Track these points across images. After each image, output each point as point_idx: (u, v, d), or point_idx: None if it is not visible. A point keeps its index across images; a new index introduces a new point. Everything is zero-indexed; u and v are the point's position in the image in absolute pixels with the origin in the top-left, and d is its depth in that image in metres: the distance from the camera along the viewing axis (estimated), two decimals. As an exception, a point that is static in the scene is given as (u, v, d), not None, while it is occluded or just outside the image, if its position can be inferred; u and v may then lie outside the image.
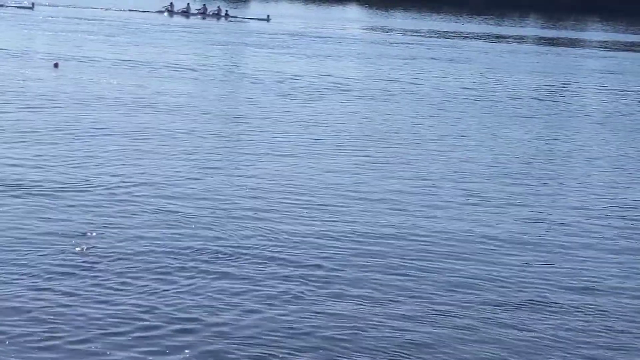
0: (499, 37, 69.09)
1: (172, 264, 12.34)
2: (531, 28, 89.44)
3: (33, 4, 69.69)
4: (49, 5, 72.36)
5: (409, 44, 57.65)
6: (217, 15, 73.13)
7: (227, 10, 74.02)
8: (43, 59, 36.83)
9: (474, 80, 38.20)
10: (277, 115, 26.00)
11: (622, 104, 33.62)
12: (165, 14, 72.44)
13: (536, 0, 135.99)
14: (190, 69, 36.31)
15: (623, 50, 63.67)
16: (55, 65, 34.07)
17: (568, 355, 10.14)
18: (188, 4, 74.93)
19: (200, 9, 74.33)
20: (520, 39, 68.88)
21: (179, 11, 73.41)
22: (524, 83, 38.54)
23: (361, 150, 21.35)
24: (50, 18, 60.82)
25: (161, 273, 11.95)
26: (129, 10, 72.93)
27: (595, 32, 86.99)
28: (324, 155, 20.58)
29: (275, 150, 20.84)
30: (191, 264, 12.42)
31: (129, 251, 12.77)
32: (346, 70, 39.80)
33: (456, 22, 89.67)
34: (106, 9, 72.00)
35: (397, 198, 16.88)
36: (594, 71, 46.57)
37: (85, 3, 75.89)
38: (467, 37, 68.13)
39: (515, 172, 19.91)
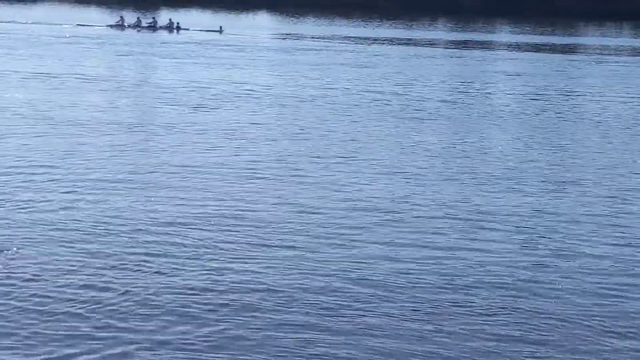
0: (409, 41, 69.70)
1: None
2: (441, 32, 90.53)
3: None
4: None
5: (320, 49, 57.84)
6: (168, 28, 72.23)
7: (178, 23, 72.89)
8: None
9: (383, 85, 38.43)
10: (185, 123, 25.88)
11: (531, 104, 34.20)
12: (114, 28, 71.66)
13: (445, 3, 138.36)
14: (112, 81, 36.01)
15: (531, 52, 64.78)
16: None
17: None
18: (138, 17, 74.62)
19: (151, 23, 73.25)
20: (431, 43, 69.61)
21: (130, 25, 72.64)
22: (433, 86, 38.94)
23: (272, 158, 21.33)
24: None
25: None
26: (77, 24, 71.89)
27: (504, 34, 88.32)
28: (236, 165, 20.53)
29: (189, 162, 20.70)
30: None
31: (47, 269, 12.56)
32: (256, 77, 39.75)
33: (366, 27, 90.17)
34: (51, 24, 70.88)
35: (310, 203, 16.90)
36: (502, 73, 47.27)
37: (33, 18, 75.28)
38: (377, 41, 68.61)
39: (420, 176, 20.09)
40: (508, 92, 37.98)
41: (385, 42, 68.58)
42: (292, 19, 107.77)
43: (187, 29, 72.06)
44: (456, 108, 32.06)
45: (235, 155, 21.54)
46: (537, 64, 53.41)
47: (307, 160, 21.23)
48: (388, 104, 32.13)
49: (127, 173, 19.08)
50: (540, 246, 14.88)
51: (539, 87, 39.86)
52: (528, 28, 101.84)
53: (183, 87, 34.65)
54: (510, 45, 71.20)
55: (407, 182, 19.43)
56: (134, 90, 34.22)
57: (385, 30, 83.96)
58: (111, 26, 72.33)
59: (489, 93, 37.75)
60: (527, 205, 17.60)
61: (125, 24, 72.48)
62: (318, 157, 21.73)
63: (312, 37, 71.08)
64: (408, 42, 68.36)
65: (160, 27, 72.58)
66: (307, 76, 40.99)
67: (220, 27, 73.27)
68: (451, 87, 38.83)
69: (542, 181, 20.04)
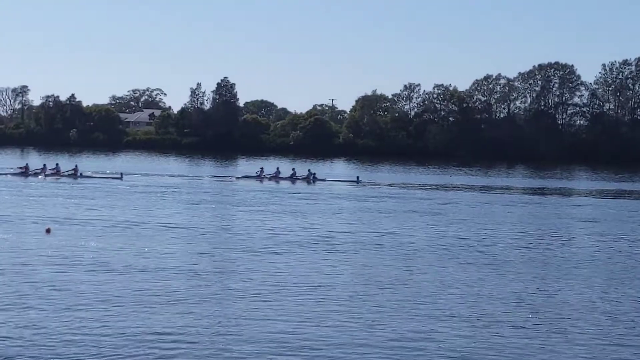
0: (486, 188, 69.81)
1: None
2: (516, 178, 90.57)
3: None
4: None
5: (396, 197, 58.23)
6: (306, 179, 73.19)
7: (314, 174, 74.20)
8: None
9: (462, 231, 38.41)
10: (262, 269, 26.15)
11: (612, 250, 33.76)
12: (254, 180, 73.36)
13: (520, 151, 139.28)
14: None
15: (609, 198, 64.32)
16: (47, 231, 34.18)
17: None
18: (277, 168, 76.57)
19: (292, 174, 74.47)
20: (507, 189, 69.62)
21: (269, 176, 74.10)
22: (511, 232, 38.76)
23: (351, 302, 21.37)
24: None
25: None
26: (214, 176, 76.70)
27: (581, 181, 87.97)
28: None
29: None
30: None
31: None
32: (335, 224, 40.11)
33: (444, 175, 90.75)
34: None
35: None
36: (578, 219, 46.90)
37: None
38: (453, 188, 68.93)
39: (504, 324, 19.89)
40: (585, 239, 37.55)
41: (463, 188, 68.83)
42: (368, 166, 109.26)
43: (324, 179, 73.54)
44: (532, 254, 31.80)
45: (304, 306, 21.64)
46: (614, 210, 52.92)
47: (374, 307, 21.23)
48: (464, 250, 32.07)
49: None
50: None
51: (617, 234, 39.39)
52: (605, 174, 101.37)
53: (261, 234, 35.14)
54: (587, 191, 70.85)
55: (477, 329, 19.27)
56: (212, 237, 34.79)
57: (463, 178, 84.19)
58: (247, 177, 74.90)
59: (566, 240, 37.37)
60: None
61: (264, 175, 74.07)
62: (388, 305, 21.71)
63: (389, 185, 71.65)
64: (483, 189, 68.50)
65: (299, 178, 73.44)
66: (385, 223, 41.21)
67: (358, 178, 75.05)
68: (526, 234, 38.58)
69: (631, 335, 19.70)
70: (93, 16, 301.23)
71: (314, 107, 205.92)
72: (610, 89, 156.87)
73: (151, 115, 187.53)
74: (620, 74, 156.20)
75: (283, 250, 30.87)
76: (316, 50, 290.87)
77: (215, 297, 22.14)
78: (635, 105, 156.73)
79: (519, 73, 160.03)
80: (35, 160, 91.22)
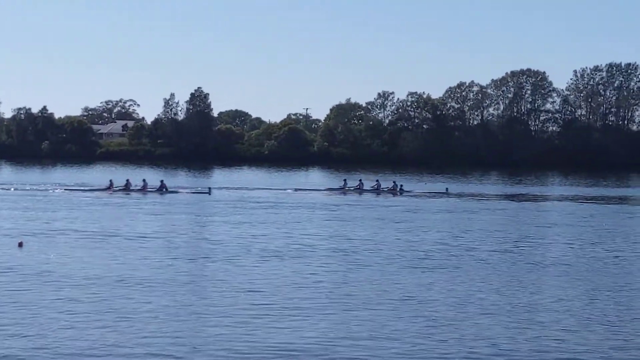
0: (459, 195, 69.98)
1: None
2: (490, 184, 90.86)
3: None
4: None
5: (373, 206, 58.24)
6: (392, 191, 71.74)
7: (401, 185, 72.86)
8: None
9: (428, 238, 38.45)
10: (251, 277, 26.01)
11: (584, 254, 33.89)
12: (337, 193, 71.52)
13: (496, 157, 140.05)
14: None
15: (582, 203, 64.69)
16: (20, 245, 33.72)
17: None
18: (360, 180, 75.02)
19: (374, 186, 73.07)
20: (481, 196, 69.82)
21: (352, 189, 72.48)
22: (484, 238, 38.83)
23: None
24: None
25: None
26: (296, 189, 73.11)
27: (555, 187, 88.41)
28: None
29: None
30: None
31: None
32: (299, 232, 39.99)
33: (416, 182, 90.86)
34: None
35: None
36: (552, 224, 47.10)
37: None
38: (424, 196, 69.02)
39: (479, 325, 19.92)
40: (558, 244, 37.66)
41: (436, 196, 68.94)
42: (342, 173, 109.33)
43: (410, 191, 71.25)
44: (504, 259, 31.83)
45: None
46: (588, 215, 53.22)
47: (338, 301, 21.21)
48: (431, 255, 32.09)
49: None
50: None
51: (590, 238, 39.58)
52: (577, 179, 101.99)
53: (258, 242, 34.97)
54: (560, 196, 71.18)
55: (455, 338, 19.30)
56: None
57: (437, 185, 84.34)
58: (335, 189, 72.93)
59: (539, 245, 37.46)
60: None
61: (348, 187, 72.56)
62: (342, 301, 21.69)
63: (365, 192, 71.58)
64: (460, 195, 68.65)
65: (384, 190, 71.72)
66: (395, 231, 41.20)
67: (447, 189, 73.40)
68: (500, 239, 38.65)
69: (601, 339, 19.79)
70: (65, 27, 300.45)
71: (289, 116, 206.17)
72: (581, 95, 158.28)
73: (124, 127, 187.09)
74: (592, 80, 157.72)
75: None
76: (290, 60, 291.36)
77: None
78: (607, 111, 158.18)
79: (492, 80, 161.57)
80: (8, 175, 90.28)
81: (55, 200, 57.96)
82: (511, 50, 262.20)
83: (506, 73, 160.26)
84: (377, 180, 75.26)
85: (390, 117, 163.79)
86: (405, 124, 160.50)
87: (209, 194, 65.95)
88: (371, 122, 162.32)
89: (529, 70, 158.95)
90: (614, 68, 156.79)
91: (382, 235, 39.12)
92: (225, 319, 20.50)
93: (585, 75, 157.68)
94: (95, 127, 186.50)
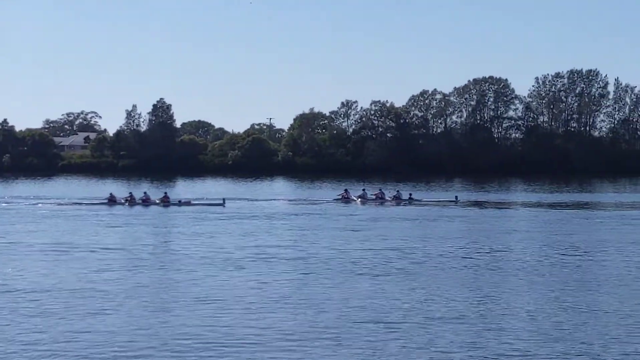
0: (422, 203, 69.90)
1: None
2: (457, 191, 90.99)
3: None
4: None
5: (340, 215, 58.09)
6: (397, 199, 70.38)
7: (410, 194, 71.60)
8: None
9: (390, 244, 38.26)
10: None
11: (546, 259, 33.86)
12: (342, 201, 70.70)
13: (460, 165, 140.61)
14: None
15: (545, 209, 64.88)
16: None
17: None
18: (363, 189, 74.14)
19: (377, 193, 72.18)
20: (449, 202, 69.79)
21: (353, 198, 71.43)
22: (449, 245, 38.70)
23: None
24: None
25: None
26: (305, 199, 72.76)
27: (519, 193, 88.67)
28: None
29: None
30: None
31: None
32: (251, 241, 39.69)
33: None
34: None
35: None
36: (516, 230, 47.18)
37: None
38: (384, 203, 68.85)
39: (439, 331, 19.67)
40: (520, 250, 37.61)
41: (401, 203, 68.82)
42: (308, 184, 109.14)
43: (420, 200, 70.49)
44: (466, 266, 31.71)
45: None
46: (550, 221, 53.35)
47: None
48: (391, 262, 31.89)
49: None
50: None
51: (553, 244, 39.58)
52: (540, 186, 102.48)
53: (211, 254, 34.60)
54: (525, 203, 71.36)
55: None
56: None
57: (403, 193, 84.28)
58: (336, 200, 71.64)
59: (503, 250, 37.42)
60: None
61: (351, 197, 71.48)
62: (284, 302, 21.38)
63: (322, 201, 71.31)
64: (424, 203, 68.55)
65: (389, 199, 70.76)
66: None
67: (456, 196, 72.77)
68: (465, 245, 38.55)
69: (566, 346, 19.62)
70: (24, 39, 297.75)
71: (252, 126, 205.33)
72: (543, 101, 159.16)
73: (86, 139, 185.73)
74: (553, 86, 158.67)
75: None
76: (253, 69, 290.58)
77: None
78: (569, 117, 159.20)
79: (455, 88, 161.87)
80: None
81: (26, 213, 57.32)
82: (473, 58, 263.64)
83: (469, 81, 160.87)
84: (379, 189, 75.10)
85: (354, 126, 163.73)
86: (369, 133, 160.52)
87: (223, 206, 64.30)
88: (335, 131, 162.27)
89: (491, 77, 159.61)
90: (575, 74, 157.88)
91: (341, 244, 38.93)
92: (183, 330, 20.13)
93: (547, 82, 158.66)
94: (56, 139, 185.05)
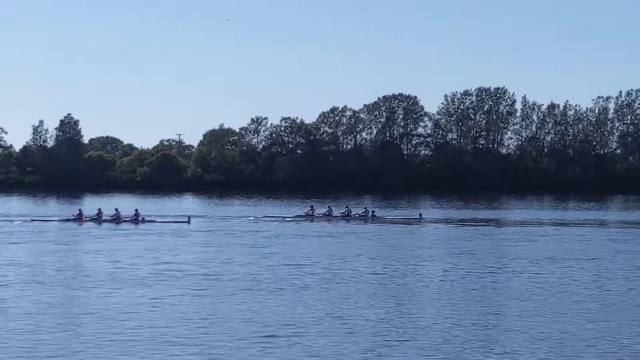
0: (329, 217, 69.97)
1: None
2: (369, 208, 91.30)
3: None
4: None
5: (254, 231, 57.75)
6: (363, 217, 69.39)
7: (373, 212, 70.62)
8: None
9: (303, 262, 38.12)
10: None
11: (451, 276, 34.09)
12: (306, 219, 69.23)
13: (369, 181, 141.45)
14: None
15: (454, 225, 65.54)
16: None
17: None
18: (329, 206, 72.73)
19: (343, 212, 70.66)
20: (361, 220, 70.00)
21: (320, 215, 70.06)
22: (360, 261, 38.70)
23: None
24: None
25: None
26: (264, 216, 71.25)
27: (426, 210, 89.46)
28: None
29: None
30: None
31: None
32: (175, 258, 39.14)
33: (291, 207, 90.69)
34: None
35: None
36: (424, 247, 47.49)
37: None
38: (286, 220, 68.74)
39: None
40: (427, 266, 37.82)
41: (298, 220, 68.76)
42: (218, 200, 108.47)
43: (382, 217, 70.25)
44: (373, 283, 31.71)
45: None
46: (458, 237, 53.90)
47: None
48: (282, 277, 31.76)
49: None
50: None
51: (460, 260, 39.91)
52: (449, 202, 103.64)
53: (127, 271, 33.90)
54: (433, 219, 71.91)
55: None
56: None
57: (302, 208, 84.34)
58: (300, 216, 70.48)
59: (410, 265, 37.58)
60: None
61: (316, 214, 70.39)
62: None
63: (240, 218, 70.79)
64: (334, 219, 68.60)
65: (354, 217, 69.71)
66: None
67: (420, 214, 72.37)
68: (373, 262, 38.59)
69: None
70: None
71: (161, 142, 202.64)
72: (452, 119, 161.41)
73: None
74: (462, 104, 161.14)
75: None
76: (161, 85, 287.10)
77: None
78: (477, 135, 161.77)
79: (365, 105, 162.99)
80: None
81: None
82: (383, 75, 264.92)
83: (378, 98, 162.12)
84: (346, 206, 74.33)
85: (264, 143, 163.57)
86: (279, 149, 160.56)
87: (189, 223, 62.52)
88: (245, 148, 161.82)
89: (400, 94, 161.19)
90: (484, 92, 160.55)
91: (247, 260, 38.63)
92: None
93: (456, 100, 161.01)
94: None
